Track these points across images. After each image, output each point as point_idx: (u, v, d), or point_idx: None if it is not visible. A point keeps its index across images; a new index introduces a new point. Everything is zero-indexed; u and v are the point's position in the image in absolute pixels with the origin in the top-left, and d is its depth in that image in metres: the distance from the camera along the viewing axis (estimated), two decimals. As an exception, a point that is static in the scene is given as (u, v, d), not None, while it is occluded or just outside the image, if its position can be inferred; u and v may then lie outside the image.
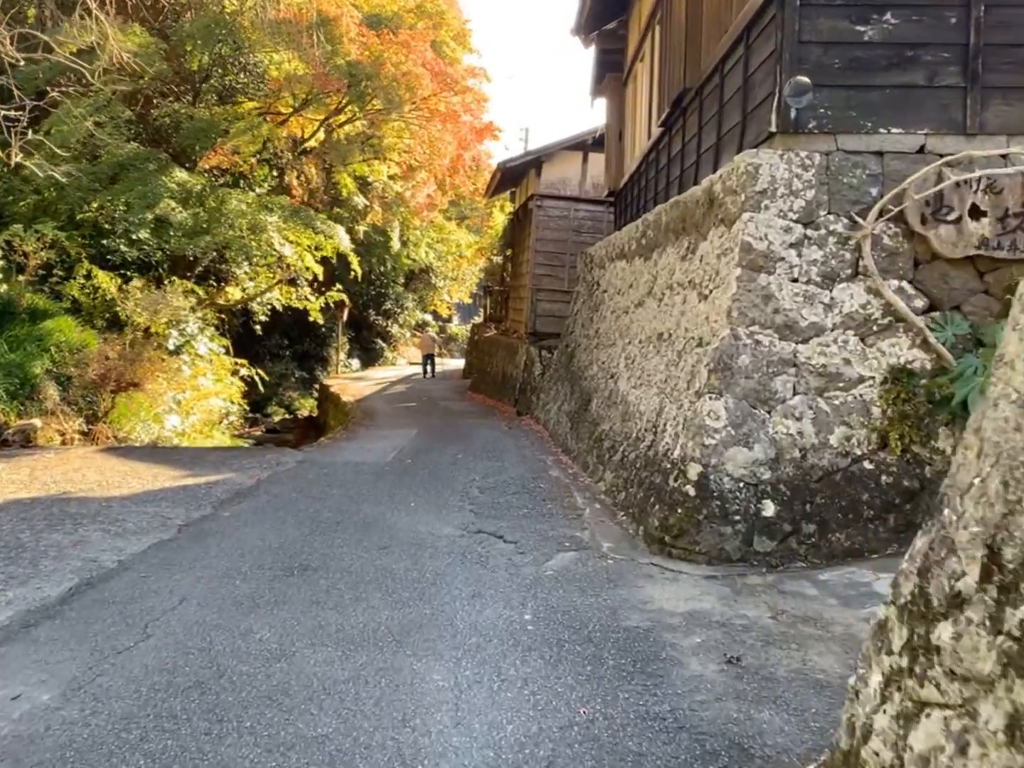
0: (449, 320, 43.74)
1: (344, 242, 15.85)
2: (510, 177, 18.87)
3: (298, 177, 17.01)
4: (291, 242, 16.06)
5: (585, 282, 14.06)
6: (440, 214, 30.56)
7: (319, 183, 17.55)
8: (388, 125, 20.59)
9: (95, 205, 13.95)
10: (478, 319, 35.64)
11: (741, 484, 5.03)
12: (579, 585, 4.67)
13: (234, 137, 12.97)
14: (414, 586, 4.64)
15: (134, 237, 13.94)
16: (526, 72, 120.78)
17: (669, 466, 5.56)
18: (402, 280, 34.18)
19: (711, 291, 5.85)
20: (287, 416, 25.90)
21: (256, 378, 19.46)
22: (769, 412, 5.17)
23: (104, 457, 9.43)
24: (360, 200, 22.95)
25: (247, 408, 20.81)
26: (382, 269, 30.64)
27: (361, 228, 23.84)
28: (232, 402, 18.56)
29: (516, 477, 8.24)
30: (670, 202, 7.61)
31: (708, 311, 5.80)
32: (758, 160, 5.35)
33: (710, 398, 5.20)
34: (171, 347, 15.56)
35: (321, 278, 17.56)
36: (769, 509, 4.97)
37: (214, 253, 16.38)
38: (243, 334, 23.17)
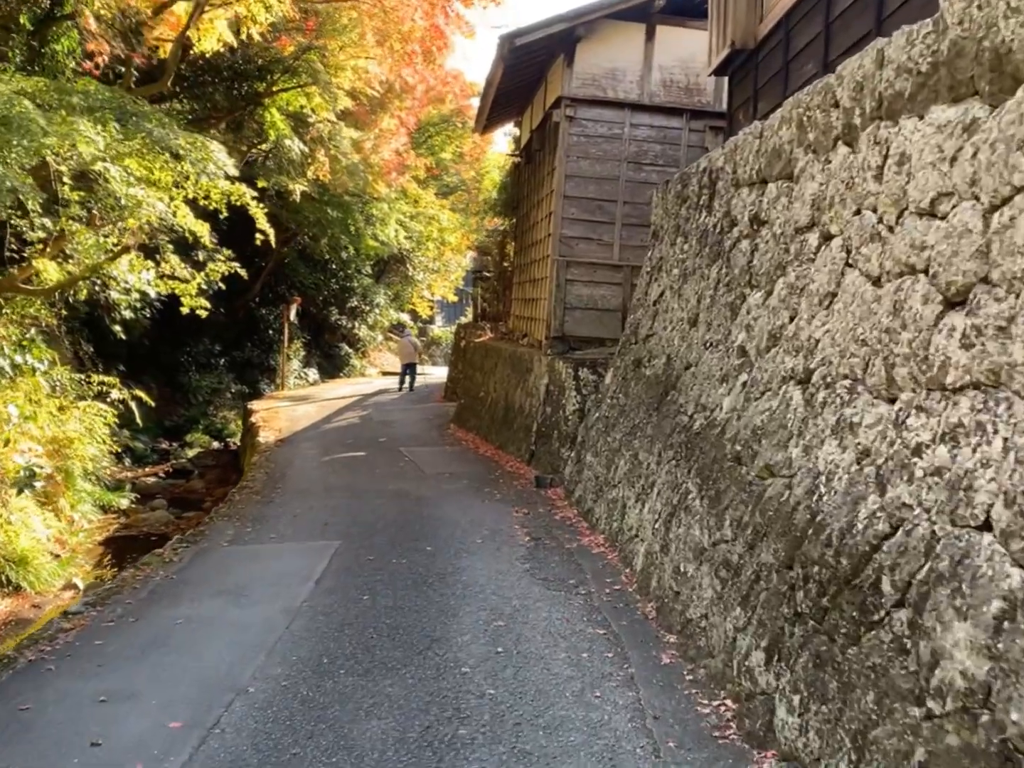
0: (431, 321, 37.13)
1: (229, 171, 8.56)
2: (516, 86, 11.68)
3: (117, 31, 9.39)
4: (142, 180, 8.76)
5: (683, 235, 6.91)
6: (414, 181, 23.27)
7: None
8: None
9: None
10: (466, 319, 28.48)
11: None
12: None
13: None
14: None
15: None
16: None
17: None
18: (370, 270, 27.00)
19: None
20: (215, 446, 18.41)
21: (133, 404, 12.19)
22: None
23: None
24: (296, 145, 15.68)
25: (120, 449, 13.56)
26: (344, 255, 23.37)
27: (299, 187, 16.54)
28: (99, 440, 11.40)
29: None
30: None
31: None
32: None
33: None
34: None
35: (209, 244, 10.21)
36: None
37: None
38: (153, 338, 16.61)
